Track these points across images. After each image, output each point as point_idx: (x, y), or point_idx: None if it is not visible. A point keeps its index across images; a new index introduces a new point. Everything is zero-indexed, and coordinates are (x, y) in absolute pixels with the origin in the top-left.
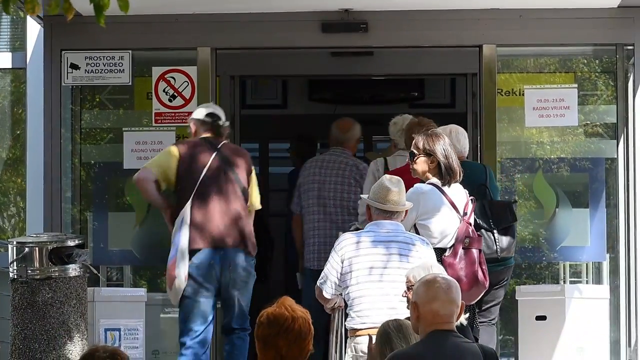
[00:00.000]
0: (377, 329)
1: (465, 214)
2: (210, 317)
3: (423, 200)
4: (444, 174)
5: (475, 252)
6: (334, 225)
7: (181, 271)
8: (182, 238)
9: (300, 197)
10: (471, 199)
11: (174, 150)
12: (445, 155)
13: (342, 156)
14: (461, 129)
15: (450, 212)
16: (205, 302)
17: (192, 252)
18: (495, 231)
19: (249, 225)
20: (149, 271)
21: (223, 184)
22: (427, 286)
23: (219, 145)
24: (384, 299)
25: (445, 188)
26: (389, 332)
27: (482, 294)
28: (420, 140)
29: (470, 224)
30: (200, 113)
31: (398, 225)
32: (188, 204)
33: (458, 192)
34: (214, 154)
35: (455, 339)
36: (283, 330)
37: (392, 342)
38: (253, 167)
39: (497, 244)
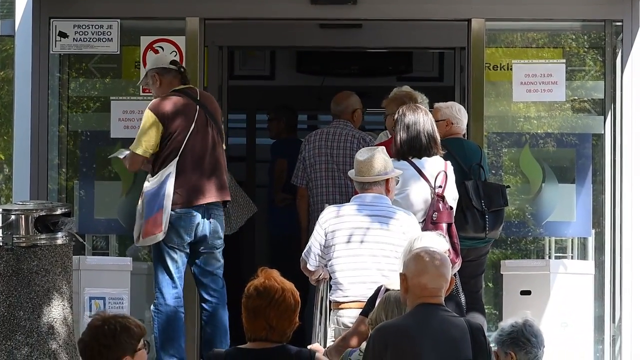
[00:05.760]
0: (359, 302)
1: (439, 186)
2: (183, 272)
3: None
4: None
5: (444, 226)
6: (343, 197)
7: (164, 227)
8: (167, 195)
9: (305, 171)
10: (442, 172)
11: (153, 117)
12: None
13: (346, 129)
14: (462, 107)
15: (423, 186)
16: (185, 255)
17: (179, 209)
18: (486, 213)
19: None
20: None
21: (209, 138)
22: (417, 259)
23: (198, 97)
24: (366, 272)
25: (416, 161)
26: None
27: (455, 268)
28: (398, 114)
29: (443, 198)
30: (161, 62)
31: (381, 197)
32: (174, 162)
33: (433, 165)
34: (197, 108)
35: (442, 313)
36: (274, 301)
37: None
38: None
39: (487, 225)
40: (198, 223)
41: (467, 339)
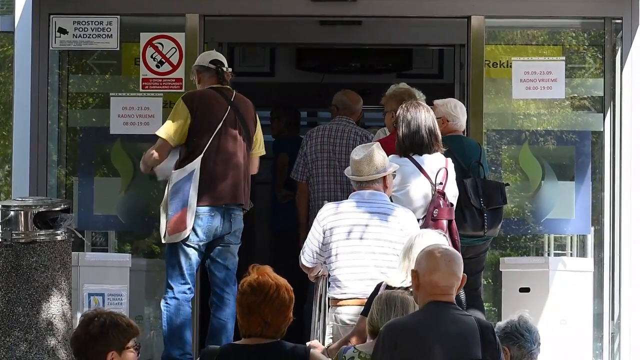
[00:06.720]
0: (357, 299)
1: (440, 183)
2: (195, 269)
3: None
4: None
5: (444, 222)
6: (345, 194)
7: (190, 224)
8: (192, 192)
9: (305, 166)
10: (443, 168)
11: (184, 106)
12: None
13: (349, 125)
14: (460, 103)
15: (423, 182)
16: (199, 254)
17: (199, 208)
18: (485, 211)
19: (249, 180)
20: (134, 236)
21: (235, 140)
22: (429, 257)
23: (232, 98)
24: (364, 269)
25: (417, 157)
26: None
27: None
28: (400, 110)
29: (443, 195)
30: (203, 60)
31: (379, 194)
32: (199, 159)
33: (434, 162)
34: (228, 108)
35: (453, 311)
36: (268, 297)
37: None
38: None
39: (486, 224)
40: (217, 224)
41: (477, 337)
